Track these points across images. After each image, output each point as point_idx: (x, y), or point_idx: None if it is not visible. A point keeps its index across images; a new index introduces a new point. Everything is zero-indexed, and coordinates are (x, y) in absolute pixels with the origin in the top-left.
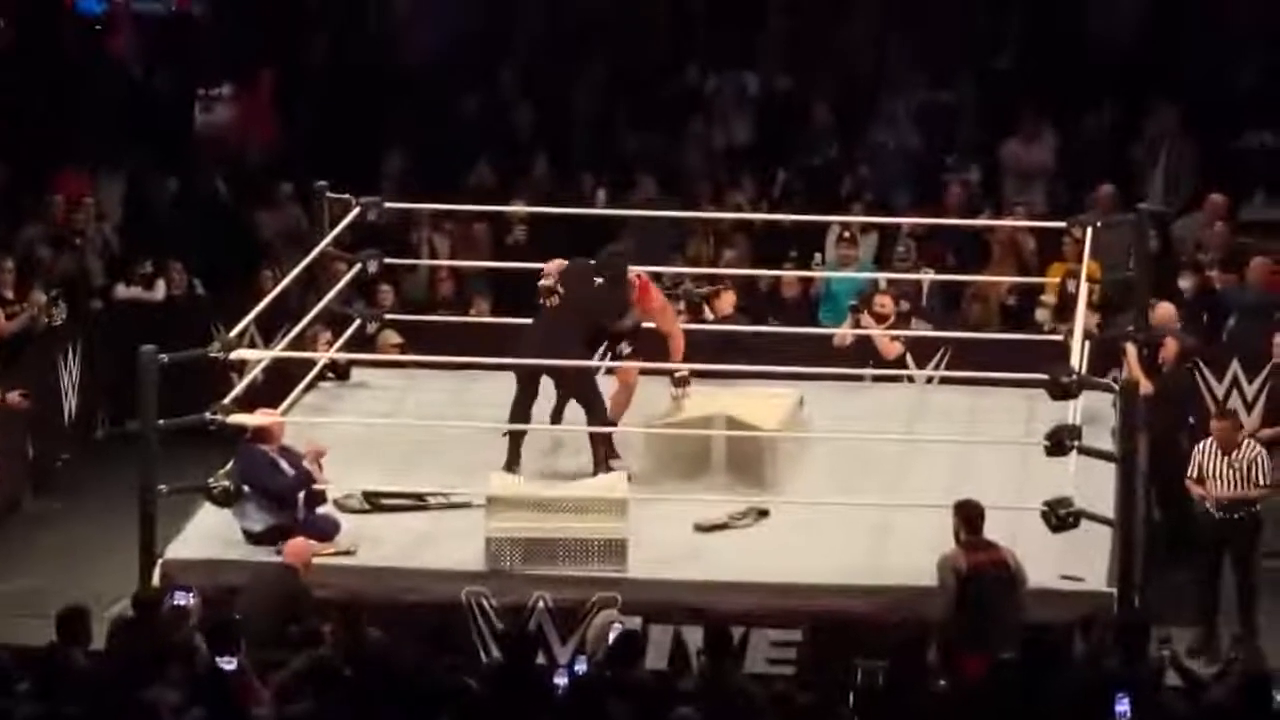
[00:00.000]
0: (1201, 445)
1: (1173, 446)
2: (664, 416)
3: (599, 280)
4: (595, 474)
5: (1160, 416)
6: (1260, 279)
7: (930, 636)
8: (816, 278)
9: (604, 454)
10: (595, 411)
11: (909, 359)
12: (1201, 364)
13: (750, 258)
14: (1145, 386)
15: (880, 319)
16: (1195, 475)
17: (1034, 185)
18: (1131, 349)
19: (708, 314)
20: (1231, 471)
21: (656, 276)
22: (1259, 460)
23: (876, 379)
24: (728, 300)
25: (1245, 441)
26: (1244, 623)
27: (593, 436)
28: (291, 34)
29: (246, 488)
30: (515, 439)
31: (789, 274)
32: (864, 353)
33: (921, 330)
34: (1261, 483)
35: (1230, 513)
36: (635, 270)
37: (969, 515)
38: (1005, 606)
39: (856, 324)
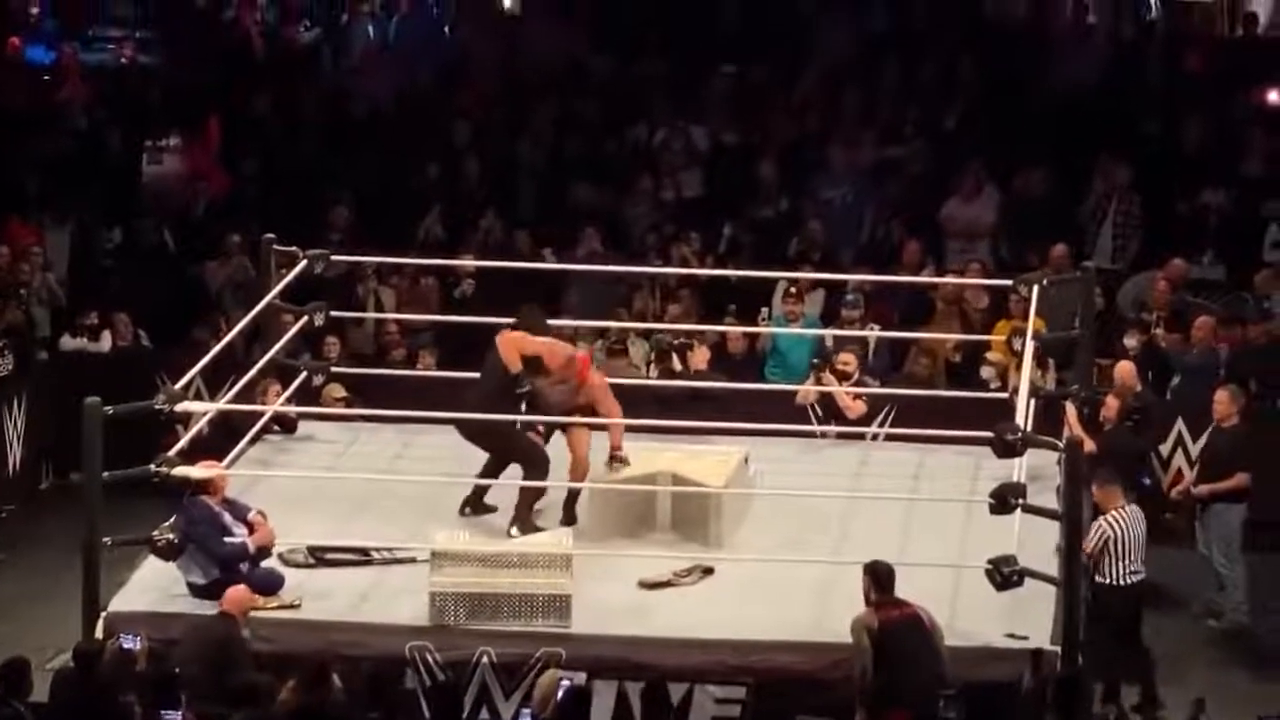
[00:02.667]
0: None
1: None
2: (609, 473)
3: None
4: (509, 530)
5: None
6: (1204, 338)
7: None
8: (762, 334)
9: (526, 513)
10: (530, 468)
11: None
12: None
13: (696, 313)
14: (1088, 446)
15: (843, 377)
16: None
17: (977, 243)
18: (1071, 408)
19: (676, 364)
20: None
21: (602, 332)
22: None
23: (838, 436)
24: (701, 356)
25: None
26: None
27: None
28: (241, 85)
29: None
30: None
31: (737, 329)
32: (825, 411)
33: (868, 388)
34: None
35: None
36: (575, 352)
37: (878, 575)
38: (921, 658)
39: (819, 381)
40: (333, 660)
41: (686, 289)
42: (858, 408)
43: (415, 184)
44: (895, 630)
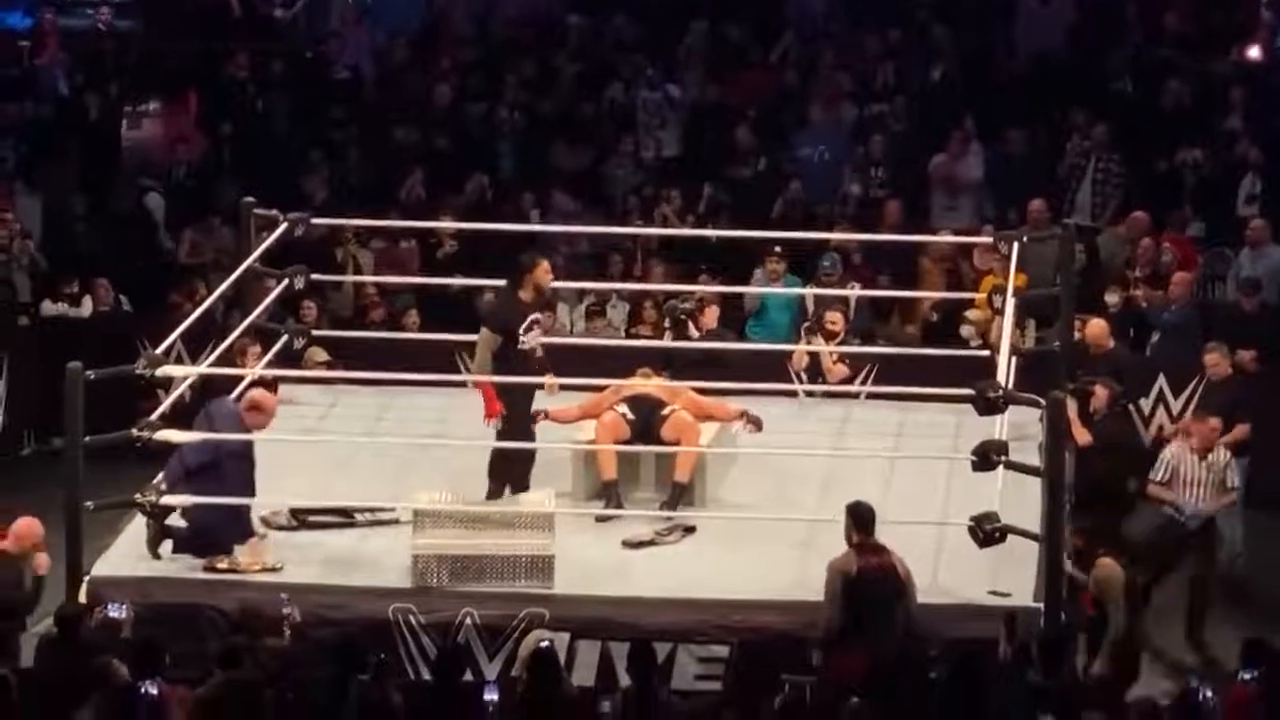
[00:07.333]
0: (1173, 450)
1: (1119, 493)
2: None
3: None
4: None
5: (1101, 465)
6: (1183, 295)
7: (815, 638)
8: (748, 294)
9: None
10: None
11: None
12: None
13: (677, 273)
14: (1083, 438)
15: (830, 336)
16: (1166, 479)
17: (962, 201)
18: (1071, 403)
19: (692, 330)
20: (1209, 475)
21: (582, 294)
22: (1232, 465)
23: (824, 395)
24: (711, 315)
25: (1217, 446)
26: (1192, 634)
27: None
28: (219, 49)
29: (199, 464)
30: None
31: (718, 289)
32: (813, 373)
33: (850, 346)
34: (1233, 484)
35: (1202, 521)
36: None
37: (859, 515)
38: (888, 610)
39: (809, 344)
40: (315, 623)
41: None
42: (839, 371)
43: (394, 146)
44: (870, 580)
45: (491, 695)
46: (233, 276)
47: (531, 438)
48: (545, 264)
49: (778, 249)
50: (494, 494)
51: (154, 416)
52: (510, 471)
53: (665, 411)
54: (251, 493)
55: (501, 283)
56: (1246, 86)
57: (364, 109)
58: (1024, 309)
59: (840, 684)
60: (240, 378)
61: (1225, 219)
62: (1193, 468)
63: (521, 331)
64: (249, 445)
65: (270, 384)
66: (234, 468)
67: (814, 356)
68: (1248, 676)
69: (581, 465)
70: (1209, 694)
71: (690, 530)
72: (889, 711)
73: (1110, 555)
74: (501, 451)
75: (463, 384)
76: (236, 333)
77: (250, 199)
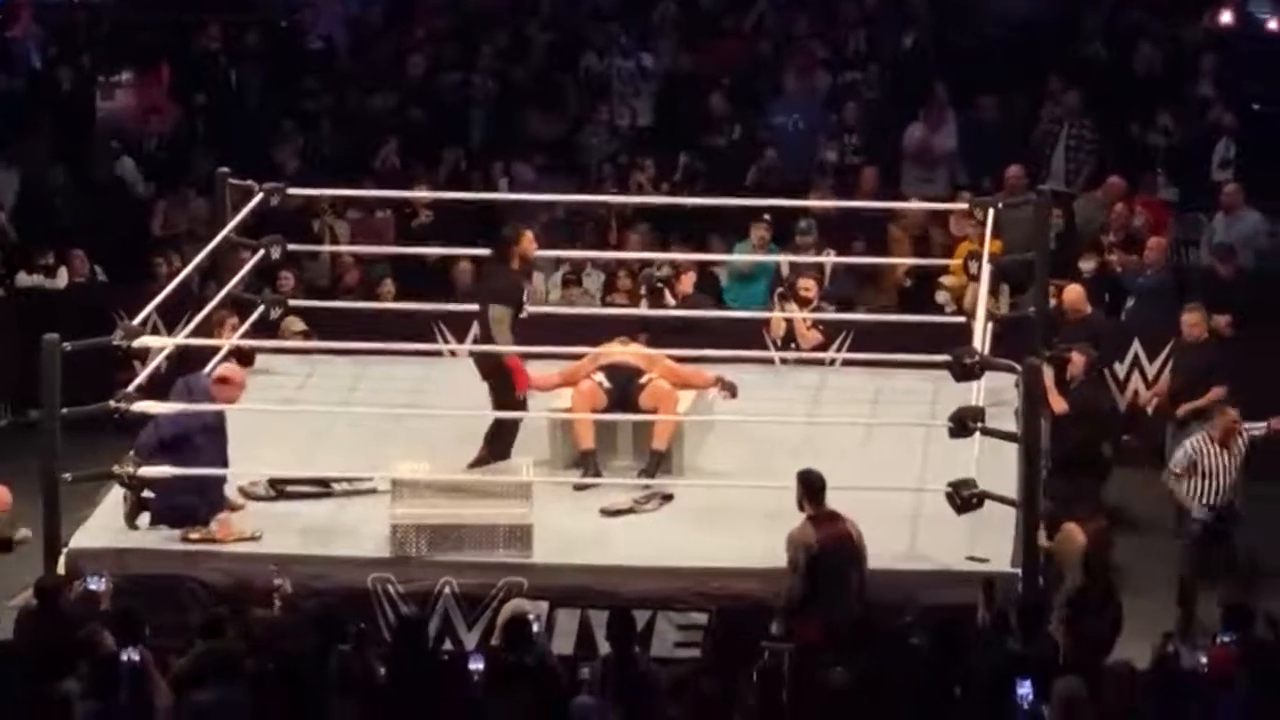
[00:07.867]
0: (1194, 442)
1: (1095, 458)
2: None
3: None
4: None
5: (1077, 431)
6: (1158, 260)
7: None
8: (716, 262)
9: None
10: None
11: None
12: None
13: (654, 242)
14: (1059, 406)
15: (804, 303)
16: (1182, 470)
17: (937, 172)
18: (1048, 370)
19: (669, 298)
20: (1232, 462)
21: (559, 262)
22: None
23: (797, 362)
24: (687, 282)
25: (1237, 435)
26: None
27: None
28: (192, 20)
29: (174, 436)
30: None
31: (694, 257)
32: (786, 337)
33: (824, 313)
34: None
35: (1223, 509)
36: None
37: (811, 484)
38: (844, 577)
39: (783, 309)
40: (305, 594)
41: (643, 220)
42: (812, 337)
43: (368, 116)
44: (830, 550)
45: (477, 664)
46: (209, 247)
47: (525, 407)
48: (529, 234)
49: (766, 216)
50: (481, 462)
51: (131, 388)
52: (505, 440)
53: (643, 380)
54: (224, 465)
55: (478, 252)
56: (1218, 52)
57: (337, 79)
58: (999, 275)
59: (814, 651)
60: (217, 348)
61: (1198, 184)
62: (1213, 458)
63: (525, 300)
64: (221, 418)
65: (247, 354)
66: (207, 440)
67: (790, 323)
68: (1227, 639)
69: (559, 434)
70: (1196, 656)
71: (668, 498)
72: (869, 679)
73: (1078, 522)
74: (502, 420)
75: (439, 353)
76: (213, 303)
77: (225, 169)
